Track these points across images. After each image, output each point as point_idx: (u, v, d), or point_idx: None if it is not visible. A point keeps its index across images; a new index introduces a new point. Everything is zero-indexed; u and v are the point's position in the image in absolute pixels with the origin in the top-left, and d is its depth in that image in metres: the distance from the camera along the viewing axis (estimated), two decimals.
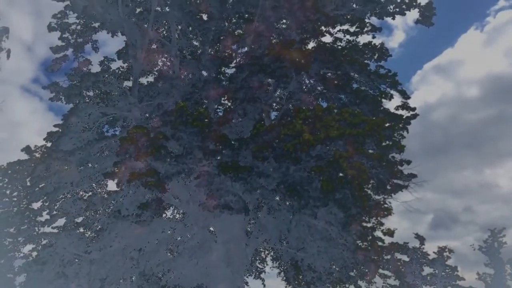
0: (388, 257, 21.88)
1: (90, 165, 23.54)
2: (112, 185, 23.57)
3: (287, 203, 19.42)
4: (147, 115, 23.52)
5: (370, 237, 19.06)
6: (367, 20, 25.13)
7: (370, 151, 18.05)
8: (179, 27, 24.53)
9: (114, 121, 24.19)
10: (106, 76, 24.77)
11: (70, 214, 23.49)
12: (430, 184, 20.32)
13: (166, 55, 25.25)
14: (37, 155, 22.89)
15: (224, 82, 24.62)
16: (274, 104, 25.08)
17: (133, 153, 17.33)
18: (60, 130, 23.11)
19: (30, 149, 22.71)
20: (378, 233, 19.39)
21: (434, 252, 48.21)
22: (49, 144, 23.45)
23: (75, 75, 24.06)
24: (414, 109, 22.55)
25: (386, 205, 20.07)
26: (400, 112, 22.56)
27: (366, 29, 25.04)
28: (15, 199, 23.15)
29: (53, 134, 23.31)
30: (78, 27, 24.41)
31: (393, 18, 24.81)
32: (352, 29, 25.23)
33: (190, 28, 24.76)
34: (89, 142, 21.87)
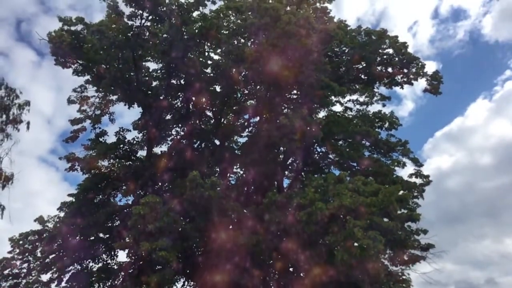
0: None
1: (101, 235, 23.37)
2: (122, 256, 23.14)
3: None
4: (160, 184, 23.66)
5: None
6: (376, 90, 25.74)
7: (385, 219, 17.71)
8: (193, 98, 25.30)
9: (129, 190, 24.29)
10: (121, 146, 25.33)
11: (79, 286, 22.89)
12: (449, 255, 19.62)
13: (180, 125, 25.88)
14: (50, 225, 22.84)
15: (236, 151, 24.96)
16: (286, 172, 25.15)
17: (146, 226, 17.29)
18: (74, 200, 23.22)
19: (42, 219, 22.67)
20: None
21: None
22: (62, 214, 23.47)
23: (92, 145, 24.58)
24: (427, 176, 22.40)
25: (404, 277, 19.33)
26: (413, 180, 22.40)
27: (375, 98, 25.59)
28: (24, 270, 22.77)
29: (66, 204, 23.40)
30: (97, 100, 25.33)
31: (402, 88, 25.38)
32: (361, 99, 25.81)
33: (204, 99, 25.50)
34: (102, 213, 21.91)
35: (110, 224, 23.55)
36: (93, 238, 23.12)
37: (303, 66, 21.11)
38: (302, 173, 24.42)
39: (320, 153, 24.84)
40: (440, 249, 19.21)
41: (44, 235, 22.44)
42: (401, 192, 19.09)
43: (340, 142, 24.46)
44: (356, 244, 15.79)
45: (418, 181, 22.33)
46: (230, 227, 19.61)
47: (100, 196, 24.22)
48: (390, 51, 24.50)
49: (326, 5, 25.78)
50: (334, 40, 24.14)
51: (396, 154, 23.26)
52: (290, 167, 25.32)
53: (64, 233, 22.21)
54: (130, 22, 22.89)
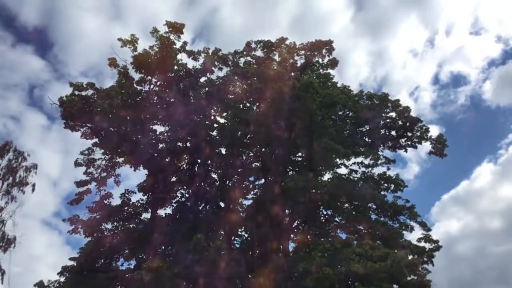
0: None
1: None
2: None
3: None
4: (163, 247, 23.25)
5: None
6: (380, 153, 25.85)
7: (395, 286, 17.16)
8: (199, 160, 25.50)
9: (131, 253, 23.87)
10: (125, 208, 25.17)
11: None
12: None
13: (185, 187, 25.86)
14: None
15: (241, 214, 24.69)
16: (292, 236, 24.69)
17: None
18: (75, 264, 22.73)
19: (42, 284, 22.01)
20: None
21: None
22: (62, 279, 22.85)
23: (96, 208, 24.44)
24: (437, 241, 21.88)
25: None
26: (422, 244, 21.87)
27: (380, 161, 25.63)
28: None
29: (67, 268, 22.86)
30: (103, 162, 25.49)
31: (405, 151, 25.55)
32: (366, 161, 25.86)
33: (209, 162, 25.66)
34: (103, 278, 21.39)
35: None
36: None
37: (307, 129, 21.45)
38: (308, 237, 23.99)
39: (326, 216, 24.54)
40: None
41: None
42: (410, 257, 18.62)
43: (346, 205, 24.22)
44: None
45: (427, 245, 21.79)
46: None
47: (102, 260, 23.72)
48: (393, 114, 24.92)
49: (329, 71, 26.54)
50: (337, 104, 24.64)
51: (404, 217, 22.92)
52: (296, 230, 24.92)
53: None
54: (139, 87, 23.66)
